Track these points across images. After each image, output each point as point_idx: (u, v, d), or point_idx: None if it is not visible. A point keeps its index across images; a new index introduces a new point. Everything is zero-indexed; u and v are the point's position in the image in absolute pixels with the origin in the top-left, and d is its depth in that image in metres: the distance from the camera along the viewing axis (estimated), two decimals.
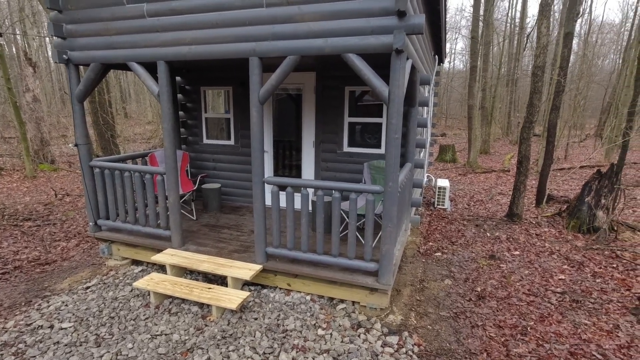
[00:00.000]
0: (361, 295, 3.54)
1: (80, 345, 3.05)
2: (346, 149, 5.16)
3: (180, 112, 5.96)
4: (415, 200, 4.84)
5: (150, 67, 3.95)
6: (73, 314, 3.52)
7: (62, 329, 3.28)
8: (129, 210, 4.35)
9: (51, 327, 3.32)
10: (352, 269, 3.55)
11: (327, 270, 3.64)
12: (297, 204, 5.26)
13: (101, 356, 2.88)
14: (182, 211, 5.24)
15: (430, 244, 5.49)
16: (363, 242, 3.50)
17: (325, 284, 3.67)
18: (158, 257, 3.96)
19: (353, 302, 3.70)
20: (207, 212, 5.50)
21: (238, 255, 4.02)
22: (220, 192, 5.66)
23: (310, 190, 5.05)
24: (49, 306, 3.70)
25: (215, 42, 3.51)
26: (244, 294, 3.51)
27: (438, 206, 7.54)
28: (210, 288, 3.63)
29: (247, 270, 3.68)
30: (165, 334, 3.16)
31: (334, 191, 3.41)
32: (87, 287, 4.11)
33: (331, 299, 3.77)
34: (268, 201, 5.21)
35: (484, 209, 7.68)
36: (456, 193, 9.22)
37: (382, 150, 4.95)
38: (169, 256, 3.97)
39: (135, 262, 4.71)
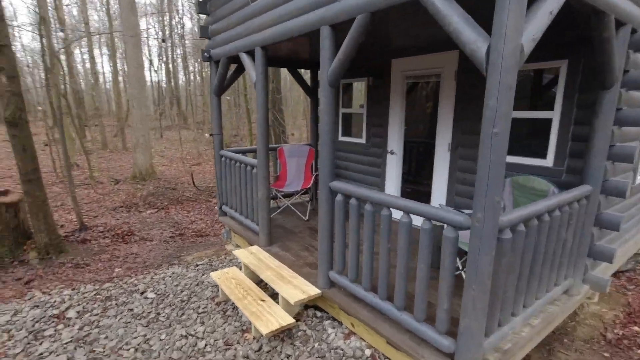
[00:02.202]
0: None
1: (138, 318, 3.23)
2: None
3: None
4: (599, 249, 2.76)
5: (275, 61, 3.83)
6: (164, 287, 3.84)
7: (146, 297, 3.62)
8: (236, 199, 4.46)
9: (142, 292, 3.72)
10: (418, 334, 2.27)
11: (388, 325, 2.50)
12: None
13: (135, 338, 2.93)
14: (294, 209, 5.01)
15: (636, 328, 3.05)
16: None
17: (390, 343, 2.53)
18: (238, 252, 3.83)
19: None
20: None
21: (308, 271, 3.38)
22: None
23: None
24: (160, 274, 4.21)
25: (287, 19, 3.00)
26: (288, 320, 2.86)
27: None
28: (263, 300, 3.17)
29: (300, 292, 3.01)
30: (197, 338, 2.93)
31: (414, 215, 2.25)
32: (197, 265, 4.47)
33: None
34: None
35: None
36: None
37: (546, 161, 3.09)
38: (248, 254, 3.78)
39: None
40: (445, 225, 2.01)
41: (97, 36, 22.42)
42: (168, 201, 7.82)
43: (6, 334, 2.98)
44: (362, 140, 5.05)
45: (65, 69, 22.05)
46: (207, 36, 4.57)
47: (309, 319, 3.13)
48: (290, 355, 2.69)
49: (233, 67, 4.61)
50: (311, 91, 5.55)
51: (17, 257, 4.33)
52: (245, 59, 3.81)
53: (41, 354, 2.72)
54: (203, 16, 4.82)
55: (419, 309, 2.23)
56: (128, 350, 2.75)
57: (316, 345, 2.80)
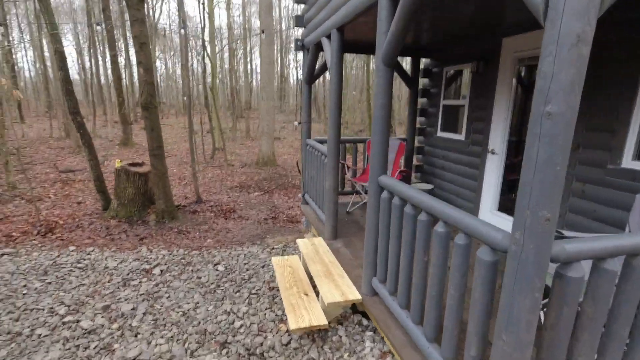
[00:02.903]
0: None
1: (200, 287, 3.51)
2: (629, 163, 2.52)
3: (423, 99, 5.19)
4: None
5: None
6: (235, 262, 4.09)
7: (216, 269, 3.91)
8: (313, 189, 4.41)
9: (215, 264, 4.04)
10: None
11: (419, 356, 2.03)
12: None
13: (188, 303, 3.18)
14: None
15: None
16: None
17: None
18: (300, 241, 3.77)
19: None
20: None
21: (359, 273, 3.07)
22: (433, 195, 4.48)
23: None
24: (239, 250, 4.51)
25: None
26: (321, 321, 2.65)
27: None
28: (306, 294, 3.03)
29: (339, 294, 2.75)
30: (237, 317, 2.99)
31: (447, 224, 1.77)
32: (273, 249, 4.63)
33: None
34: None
35: None
36: None
37: None
38: (309, 244, 3.68)
39: None
40: (484, 247, 1.48)
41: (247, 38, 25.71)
42: (275, 186, 8.39)
43: (108, 277, 3.64)
44: (461, 137, 4.33)
45: (226, 67, 25.94)
46: (301, 25, 4.61)
47: (351, 325, 2.84)
48: (313, 359, 2.49)
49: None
50: (411, 81, 5.05)
51: (141, 217, 5.29)
52: (325, 43, 3.68)
53: (119, 298, 3.22)
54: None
55: (447, 346, 1.73)
56: (177, 313, 3.01)
57: (345, 356, 2.52)
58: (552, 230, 1.22)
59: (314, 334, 2.72)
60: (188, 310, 3.05)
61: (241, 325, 2.86)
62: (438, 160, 4.87)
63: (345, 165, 4.71)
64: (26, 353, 2.47)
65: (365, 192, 4.77)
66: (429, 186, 4.63)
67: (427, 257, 1.96)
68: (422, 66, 5.14)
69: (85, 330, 2.74)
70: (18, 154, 7.62)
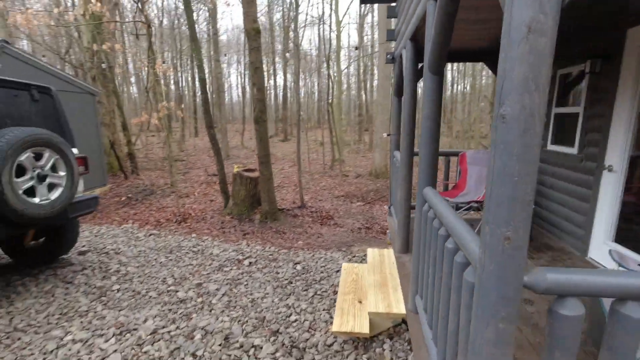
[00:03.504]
0: None
1: (275, 280, 3.89)
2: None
3: None
4: None
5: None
6: (314, 264, 4.37)
7: (294, 268, 4.26)
8: (394, 200, 4.35)
9: (295, 264, 4.39)
10: None
11: None
12: None
13: (259, 293, 3.58)
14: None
15: None
16: None
17: None
18: (369, 250, 3.78)
19: None
20: None
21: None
22: (538, 217, 3.87)
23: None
24: (322, 254, 4.78)
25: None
26: (364, 329, 2.66)
27: None
28: (360, 302, 3.06)
29: (384, 305, 2.71)
30: (294, 312, 3.23)
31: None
32: (354, 256, 4.74)
33: None
34: None
35: None
36: None
37: None
38: (377, 254, 3.67)
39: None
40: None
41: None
42: (379, 197, 8.41)
43: (210, 261, 4.39)
44: (574, 150, 3.63)
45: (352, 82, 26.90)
46: (392, 38, 4.66)
47: (400, 342, 2.76)
48: None
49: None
50: None
51: (249, 216, 6.12)
52: (403, 55, 3.67)
53: (211, 279, 3.86)
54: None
55: None
56: (247, 298, 3.44)
57: None
58: (517, 252, 1.05)
59: (358, 342, 2.75)
60: (257, 298, 3.45)
61: (295, 320, 3.09)
62: (547, 177, 4.16)
63: None
64: (139, 306, 3.25)
65: (456, 209, 4.42)
66: None
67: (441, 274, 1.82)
68: None
69: (179, 299, 3.41)
70: (187, 160, 9.74)
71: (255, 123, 5.80)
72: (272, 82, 26.28)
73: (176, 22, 21.97)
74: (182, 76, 27.01)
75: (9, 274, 3.87)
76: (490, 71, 5.68)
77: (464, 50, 4.14)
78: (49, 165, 3.37)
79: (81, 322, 2.99)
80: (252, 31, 5.30)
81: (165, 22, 22.82)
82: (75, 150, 3.91)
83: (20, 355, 2.58)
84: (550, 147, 4.12)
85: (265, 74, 25.30)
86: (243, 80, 28.09)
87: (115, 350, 2.63)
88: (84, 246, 4.77)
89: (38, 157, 3.28)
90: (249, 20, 5.40)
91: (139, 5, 8.31)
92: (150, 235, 5.37)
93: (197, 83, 30.14)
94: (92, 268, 4.06)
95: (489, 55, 4.40)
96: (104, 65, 9.88)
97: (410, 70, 3.36)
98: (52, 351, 2.61)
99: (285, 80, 24.73)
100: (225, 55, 32.60)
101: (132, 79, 26.65)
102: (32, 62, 6.72)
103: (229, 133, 25.18)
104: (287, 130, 24.70)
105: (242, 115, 26.89)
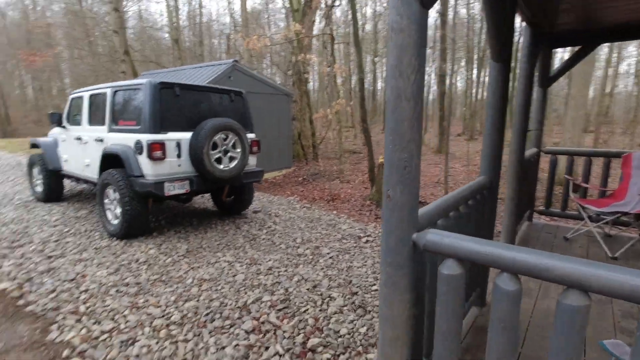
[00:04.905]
0: None
1: (377, 257, 4.31)
2: None
3: None
4: None
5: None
6: None
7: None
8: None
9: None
10: None
11: None
12: None
13: (358, 267, 4.10)
14: (599, 238, 3.41)
15: None
16: None
17: None
18: None
19: None
20: None
21: None
22: None
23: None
24: None
25: None
26: None
27: None
28: None
29: None
30: (377, 282, 3.62)
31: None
32: None
33: None
34: None
35: None
36: None
37: None
38: None
39: None
40: None
41: None
42: None
43: (335, 234, 5.19)
44: None
45: None
46: None
47: None
48: None
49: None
50: None
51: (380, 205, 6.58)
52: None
53: (327, 246, 4.65)
54: None
55: None
56: (345, 264, 4.04)
57: None
58: (396, 209, 1.30)
59: None
60: (354, 266, 4.01)
61: (376, 290, 3.50)
62: None
63: (571, 182, 3.79)
64: (270, 251, 4.38)
65: (594, 220, 3.63)
66: None
67: None
68: None
69: (297, 253, 4.35)
70: (364, 153, 11.02)
71: None
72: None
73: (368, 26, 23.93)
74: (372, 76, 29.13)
75: (211, 216, 5.81)
76: None
77: (623, 25, 3.32)
78: (231, 144, 4.91)
79: (233, 252, 4.34)
80: None
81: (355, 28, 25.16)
82: (252, 135, 5.44)
83: (195, 259, 4.08)
84: None
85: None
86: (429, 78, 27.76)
87: (242, 273, 3.78)
88: (258, 208, 6.46)
89: (225, 137, 4.85)
90: None
91: (327, 21, 9.92)
92: (303, 207, 6.66)
93: (380, 83, 31.67)
94: (255, 222, 5.57)
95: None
96: (305, 75, 12.25)
97: (527, 57, 3.11)
98: (212, 263, 4.00)
99: (478, 76, 23.05)
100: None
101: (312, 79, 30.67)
102: (251, 74, 9.22)
103: None
104: (474, 129, 23.03)
105: (424, 113, 26.68)
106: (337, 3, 10.36)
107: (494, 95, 2.29)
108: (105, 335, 2.70)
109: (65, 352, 2.52)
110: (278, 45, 13.98)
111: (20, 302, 3.15)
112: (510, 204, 3.34)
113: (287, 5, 16.99)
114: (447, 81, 24.06)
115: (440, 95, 16.60)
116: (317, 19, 12.34)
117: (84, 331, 2.74)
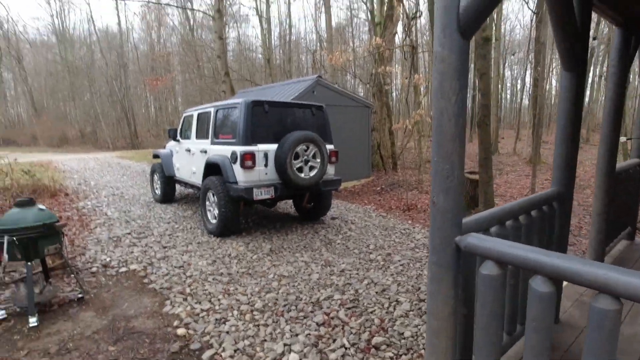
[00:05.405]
0: None
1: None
2: None
3: None
4: None
5: None
6: None
7: None
8: None
9: None
10: None
11: None
12: None
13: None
14: None
15: None
16: None
17: None
18: None
19: None
20: None
21: None
22: None
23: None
24: None
25: None
26: None
27: None
28: None
29: None
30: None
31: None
32: None
33: None
34: None
35: None
36: None
37: None
38: None
39: None
40: None
41: None
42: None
43: (408, 242, 5.26)
44: None
45: None
46: None
47: None
48: None
49: None
50: None
51: (464, 215, 6.37)
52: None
53: (399, 253, 4.76)
54: None
55: None
56: (416, 272, 4.11)
57: None
58: (440, 214, 1.47)
59: None
60: (424, 275, 4.07)
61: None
62: None
63: None
64: (344, 255, 4.66)
65: None
66: None
67: None
68: None
69: (370, 259, 4.56)
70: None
71: (477, 127, 5.99)
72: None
73: None
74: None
75: (292, 221, 6.34)
76: None
77: None
78: (311, 154, 5.37)
79: (310, 254, 4.74)
80: (481, 40, 5.57)
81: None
82: (331, 146, 5.84)
83: (277, 258, 4.56)
84: None
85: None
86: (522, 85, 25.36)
87: (317, 272, 4.13)
88: (335, 214, 6.82)
89: (306, 148, 5.32)
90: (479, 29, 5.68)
91: (407, 32, 9.99)
92: (379, 216, 6.82)
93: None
94: (332, 227, 5.93)
95: None
96: (386, 86, 12.43)
97: (620, 44, 2.90)
98: (291, 262, 4.45)
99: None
100: (513, 55, 30.47)
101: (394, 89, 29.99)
102: (333, 88, 9.75)
103: (506, 139, 23.65)
104: (582, 136, 20.33)
105: (517, 120, 24.49)
106: (417, 14, 10.36)
107: (565, 105, 2.25)
108: (204, 313, 3.28)
109: (175, 322, 3.13)
110: (360, 58, 14.39)
111: (145, 280, 3.96)
112: (598, 220, 3.11)
113: (370, 18, 17.39)
114: (545, 86, 21.80)
115: (534, 100, 15.19)
116: (400, 29, 12.46)
117: (188, 308, 3.36)
